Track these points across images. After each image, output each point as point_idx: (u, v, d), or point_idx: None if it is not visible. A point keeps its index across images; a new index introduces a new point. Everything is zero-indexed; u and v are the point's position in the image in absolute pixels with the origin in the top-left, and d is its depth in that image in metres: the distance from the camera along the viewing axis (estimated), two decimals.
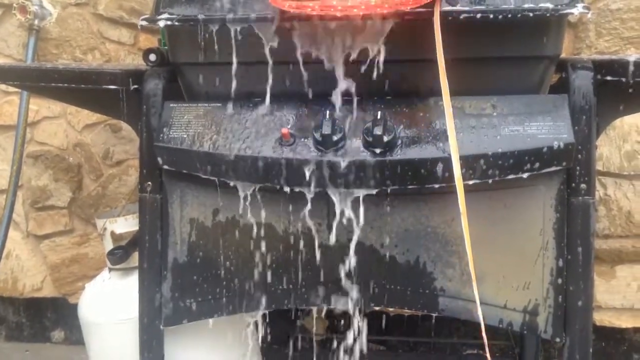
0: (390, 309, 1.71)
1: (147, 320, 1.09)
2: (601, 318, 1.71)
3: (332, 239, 1.01)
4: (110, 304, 1.35)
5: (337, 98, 0.97)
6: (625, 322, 1.71)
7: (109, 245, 1.41)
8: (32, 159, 1.87)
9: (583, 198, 0.96)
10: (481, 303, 0.92)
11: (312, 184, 0.94)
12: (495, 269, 1.00)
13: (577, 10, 0.90)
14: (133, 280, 1.23)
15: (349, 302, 1.03)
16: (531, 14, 0.89)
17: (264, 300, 1.06)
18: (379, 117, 0.91)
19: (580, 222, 0.96)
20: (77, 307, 1.41)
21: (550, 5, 0.90)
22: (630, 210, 1.64)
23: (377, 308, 1.03)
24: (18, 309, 2.02)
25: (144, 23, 1.00)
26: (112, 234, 1.40)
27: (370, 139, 0.91)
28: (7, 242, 1.72)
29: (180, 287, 1.08)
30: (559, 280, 0.98)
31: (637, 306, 1.69)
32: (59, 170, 1.87)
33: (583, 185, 0.95)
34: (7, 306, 2.02)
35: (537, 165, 0.92)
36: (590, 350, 0.99)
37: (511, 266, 1.00)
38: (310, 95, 0.99)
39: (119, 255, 1.30)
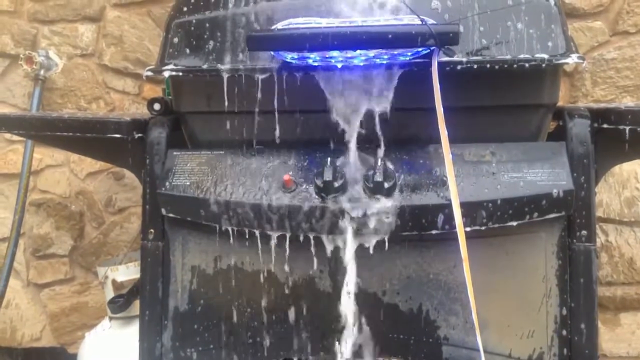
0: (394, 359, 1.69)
1: None
2: None
3: (334, 286, 1.00)
4: (110, 354, 1.34)
5: (338, 145, 0.99)
6: None
7: (110, 293, 1.40)
8: (35, 207, 1.87)
9: (584, 245, 0.96)
10: (485, 352, 0.91)
11: (314, 231, 0.94)
12: (498, 317, 0.99)
13: (571, 60, 0.92)
14: (134, 329, 1.22)
15: (351, 351, 1.02)
16: (527, 65, 0.91)
17: (265, 350, 1.05)
18: (379, 163, 0.92)
19: (582, 269, 0.96)
20: (76, 357, 1.39)
21: (545, 56, 0.92)
22: (633, 257, 1.63)
23: (380, 359, 1.02)
24: (16, 359, 1.99)
25: (149, 73, 1.03)
26: (114, 282, 1.40)
27: (371, 185, 0.92)
28: (6, 291, 1.71)
29: (181, 336, 1.07)
30: (563, 329, 0.97)
31: None
32: (61, 218, 1.88)
33: (584, 232, 0.95)
34: (5, 356, 1.99)
35: (536, 212, 0.92)
36: None
37: (515, 314, 0.99)
38: (312, 143, 1.01)
39: (119, 303, 1.30)
